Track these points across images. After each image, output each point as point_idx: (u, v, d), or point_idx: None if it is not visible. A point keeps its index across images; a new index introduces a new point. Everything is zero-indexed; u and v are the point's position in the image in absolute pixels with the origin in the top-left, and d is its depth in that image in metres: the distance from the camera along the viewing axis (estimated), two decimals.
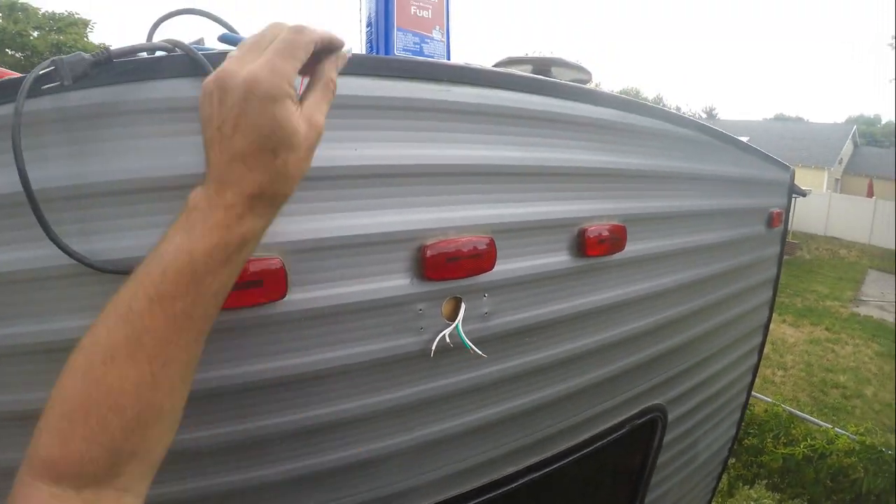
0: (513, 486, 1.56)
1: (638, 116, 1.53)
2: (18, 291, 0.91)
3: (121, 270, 0.90)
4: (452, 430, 1.35)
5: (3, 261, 0.89)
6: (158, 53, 0.95)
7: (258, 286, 0.99)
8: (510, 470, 1.54)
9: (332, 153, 1.04)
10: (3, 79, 0.95)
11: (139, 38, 1.07)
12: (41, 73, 0.84)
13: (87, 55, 0.86)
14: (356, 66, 1.07)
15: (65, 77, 0.83)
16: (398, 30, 1.30)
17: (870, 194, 26.72)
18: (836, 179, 31.93)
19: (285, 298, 1.02)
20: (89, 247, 0.90)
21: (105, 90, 0.88)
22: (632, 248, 1.52)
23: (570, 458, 1.66)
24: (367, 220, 1.10)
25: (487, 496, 1.52)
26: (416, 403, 1.26)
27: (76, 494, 0.66)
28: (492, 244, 1.22)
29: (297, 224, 1.03)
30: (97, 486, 0.67)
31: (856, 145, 35.30)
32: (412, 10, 1.32)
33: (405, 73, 1.12)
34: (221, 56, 0.95)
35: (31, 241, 0.87)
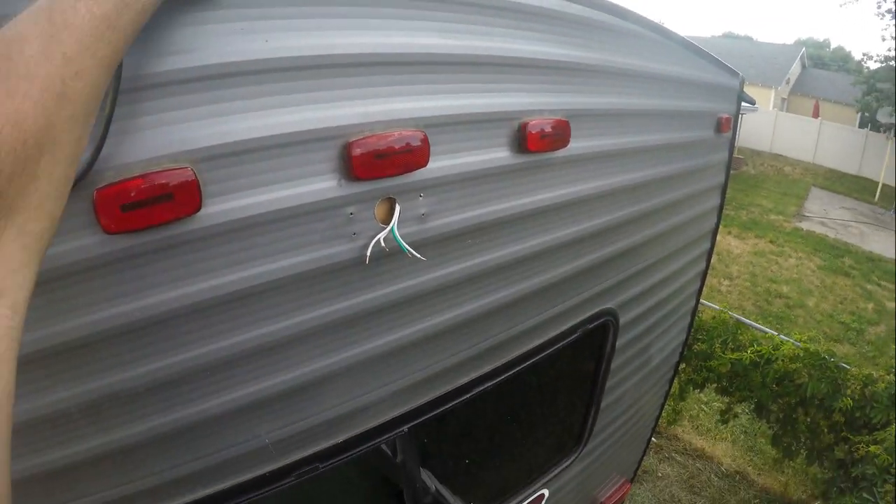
0: (465, 397, 1.55)
1: (584, 7, 1.43)
2: None
3: None
4: (396, 343, 1.29)
5: None
6: None
7: (168, 200, 0.87)
8: (461, 381, 1.53)
9: (242, 46, 0.91)
10: None
11: None
12: None
13: None
14: None
15: None
16: None
17: (815, 115, 27.48)
18: (783, 99, 32.60)
19: (200, 212, 0.91)
20: None
21: None
22: (576, 144, 1.45)
23: (523, 366, 1.65)
24: (285, 117, 0.98)
25: (439, 410, 1.50)
26: (354, 317, 1.19)
27: None
28: (425, 139, 1.12)
29: (207, 127, 0.90)
30: None
31: (804, 67, 35.89)
32: None
33: None
34: None
35: None
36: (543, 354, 1.71)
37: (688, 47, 2.01)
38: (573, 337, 1.80)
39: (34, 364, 0.88)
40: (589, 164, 1.55)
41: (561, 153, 1.42)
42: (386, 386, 1.35)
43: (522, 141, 1.31)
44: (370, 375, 1.30)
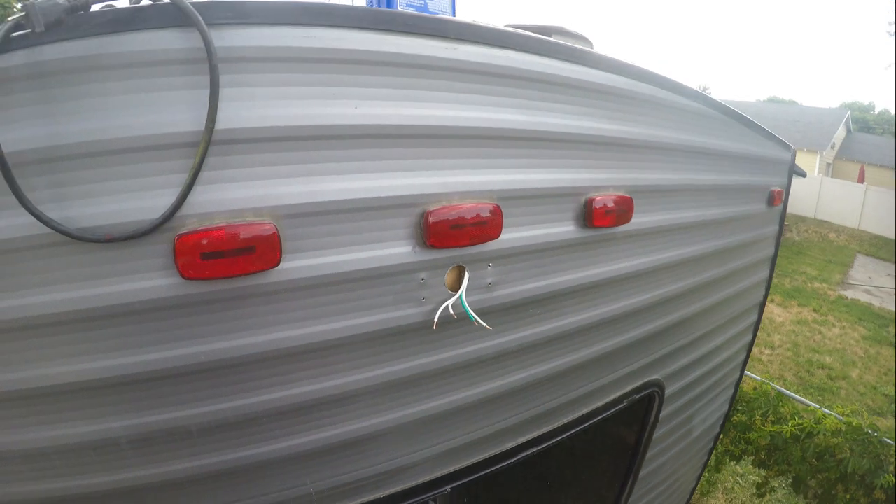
0: (509, 461, 1.54)
1: (646, 85, 1.48)
2: None
3: (98, 238, 0.85)
4: (453, 404, 1.32)
5: None
6: (142, 2, 0.88)
7: (250, 253, 0.94)
8: (507, 445, 1.52)
9: (331, 111, 0.98)
10: None
11: None
12: (12, 23, 0.77)
13: (61, 1, 0.78)
14: (357, 20, 1.01)
15: (36, 24, 0.76)
16: None
17: (861, 180, 26.85)
18: (828, 164, 32.04)
19: (279, 266, 0.97)
20: (65, 214, 0.84)
21: (82, 43, 0.82)
22: (638, 220, 1.48)
23: (569, 433, 1.64)
24: (368, 183, 1.04)
25: (483, 472, 1.50)
26: (417, 377, 1.22)
27: None
28: (497, 211, 1.17)
29: (292, 186, 0.97)
30: None
31: (849, 131, 35.34)
32: None
33: (410, 29, 1.05)
34: (211, 6, 0.89)
35: (3, 208, 0.81)
36: (589, 423, 1.69)
37: (743, 122, 2.04)
38: (620, 406, 1.78)
39: (98, 391, 0.94)
40: (648, 239, 1.57)
41: (623, 228, 1.45)
42: (435, 445, 1.36)
43: (588, 216, 1.34)
44: (422, 434, 1.32)
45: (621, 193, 1.43)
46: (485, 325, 1.18)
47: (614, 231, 1.43)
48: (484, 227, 1.15)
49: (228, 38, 0.89)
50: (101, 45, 0.82)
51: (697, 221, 1.80)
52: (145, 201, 0.87)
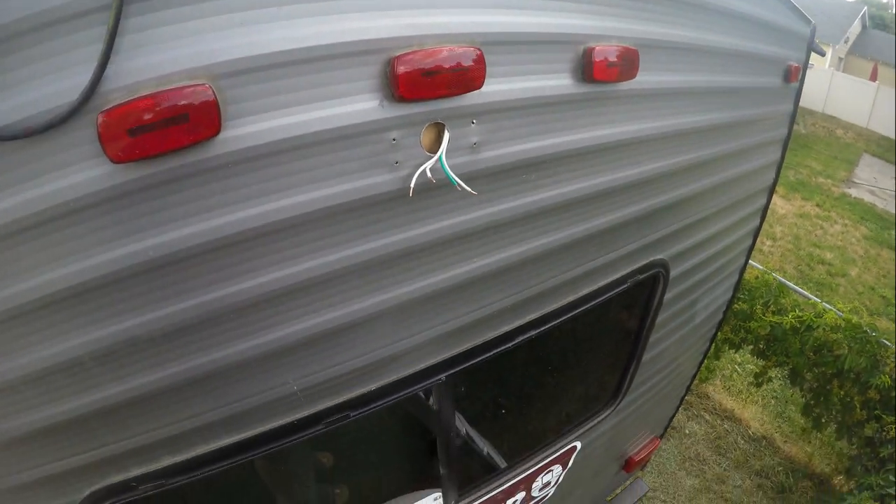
0: (507, 346, 1.47)
1: None
2: None
3: (17, 135, 0.71)
4: (438, 286, 1.21)
5: None
6: None
7: (184, 121, 0.78)
8: (504, 329, 1.45)
9: None
10: None
11: None
12: None
13: None
14: None
15: None
16: None
17: (873, 78, 25.80)
18: (840, 58, 30.71)
19: (219, 136, 0.82)
20: None
21: None
22: (643, 77, 1.30)
23: (569, 315, 1.56)
24: (320, 27, 0.86)
25: (480, 358, 1.43)
26: (393, 256, 1.10)
27: None
28: (480, 58, 0.99)
29: (228, 39, 0.80)
30: None
31: (864, 27, 33.59)
32: None
33: None
34: None
35: None
36: (591, 304, 1.61)
37: None
38: (623, 287, 1.70)
39: (44, 310, 0.82)
40: (655, 101, 1.41)
41: (627, 85, 1.27)
42: (424, 332, 1.27)
43: (587, 68, 1.17)
44: (409, 320, 1.23)
45: (627, 45, 1.24)
46: (470, 189, 1.04)
47: (616, 87, 1.26)
48: (464, 74, 0.98)
49: None
50: None
51: (708, 87, 1.62)
52: (57, 84, 0.72)
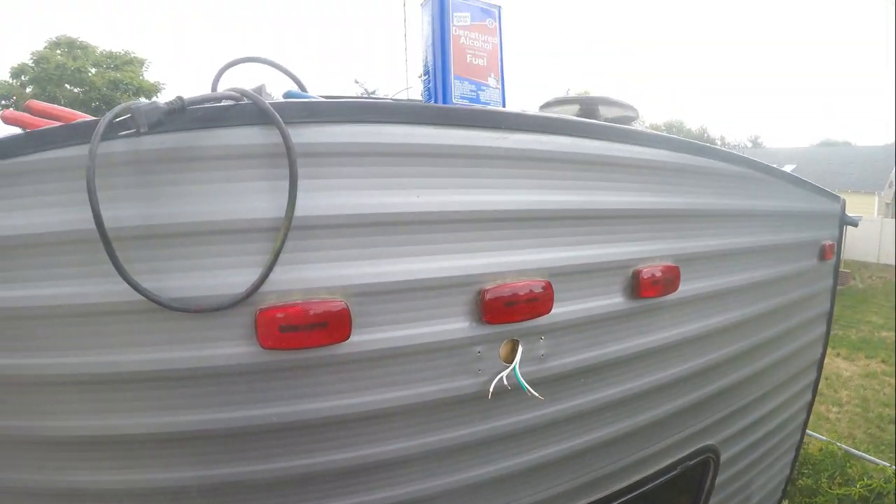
0: None
1: (688, 156, 1.54)
2: (90, 324, 0.98)
3: (188, 308, 0.97)
4: (505, 470, 1.36)
5: (74, 293, 0.96)
6: (225, 101, 1.02)
7: (323, 328, 1.04)
8: None
9: (395, 200, 1.10)
10: (78, 121, 1.03)
11: (191, 77, 1.15)
12: (116, 119, 0.91)
13: (161, 104, 0.93)
14: (419, 115, 1.13)
15: (141, 125, 0.90)
16: (455, 78, 1.35)
17: None
18: (887, 204, 30.68)
19: (349, 340, 1.07)
20: (159, 285, 0.96)
21: (177, 136, 0.96)
22: (685, 287, 1.52)
23: (624, 499, 1.63)
24: (429, 264, 1.14)
25: None
26: (473, 444, 1.28)
27: None
28: (548, 287, 1.24)
29: (360, 268, 1.08)
30: None
31: None
32: (468, 59, 1.37)
33: (464, 122, 1.16)
34: (288, 105, 1.03)
35: (102, 276, 0.94)
36: (642, 490, 1.68)
37: (789, 180, 2.05)
38: (673, 473, 1.76)
39: (182, 444, 1.05)
40: (696, 305, 1.60)
41: (671, 297, 1.48)
42: None
43: (636, 287, 1.39)
44: (478, 499, 1.36)
45: (668, 263, 1.47)
46: (537, 395, 1.23)
47: (662, 300, 1.47)
48: (536, 304, 1.22)
49: (305, 136, 1.01)
50: (193, 139, 0.96)
51: (746, 284, 1.81)
52: (229, 278, 0.99)
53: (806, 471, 4.20)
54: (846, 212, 2.56)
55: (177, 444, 1.06)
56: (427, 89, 1.40)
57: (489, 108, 1.34)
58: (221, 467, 1.08)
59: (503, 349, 1.23)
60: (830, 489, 4.08)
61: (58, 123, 1.04)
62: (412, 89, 1.87)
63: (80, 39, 24.53)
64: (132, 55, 25.49)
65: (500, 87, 1.41)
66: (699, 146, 1.56)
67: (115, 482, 1.06)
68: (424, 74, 1.42)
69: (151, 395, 1.02)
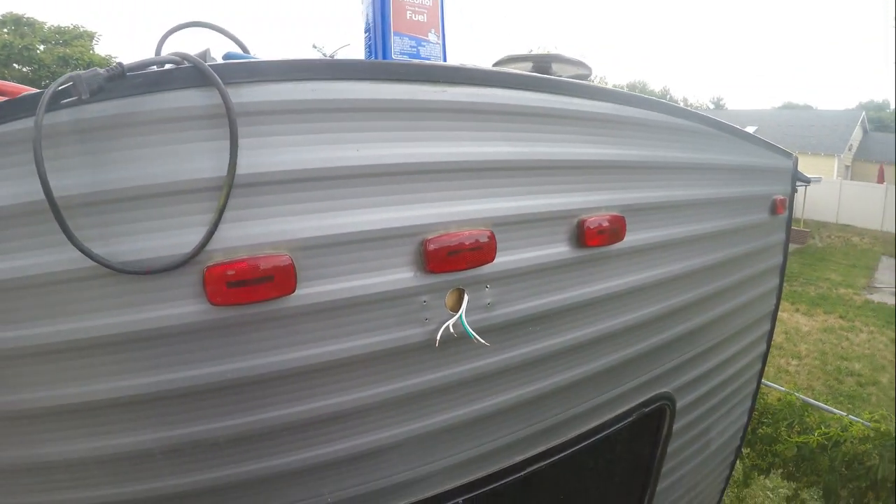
0: (521, 474, 1.59)
1: (634, 109, 1.55)
2: (43, 294, 0.97)
3: (139, 270, 0.97)
4: (459, 418, 1.39)
5: (27, 265, 0.95)
6: (167, 66, 1.01)
7: (269, 281, 1.05)
8: (518, 458, 1.58)
9: (335, 154, 1.10)
10: (23, 94, 1.01)
11: (144, 49, 1.13)
12: (59, 88, 0.91)
13: (101, 70, 0.92)
14: (355, 71, 1.12)
15: (82, 92, 0.89)
16: (395, 34, 1.33)
17: (880, 180, 26.35)
18: (847, 166, 31.57)
19: (295, 293, 1.08)
20: (108, 249, 0.96)
21: (119, 102, 0.95)
22: (632, 237, 1.55)
23: (578, 447, 1.68)
24: (371, 216, 1.14)
25: (495, 485, 1.55)
26: (423, 393, 1.30)
27: None
28: (492, 237, 1.25)
29: (304, 222, 1.08)
30: None
31: (865, 131, 34.86)
32: (408, 15, 1.35)
33: (403, 76, 1.16)
34: (227, 67, 1.01)
35: (54, 245, 0.93)
36: (598, 436, 1.73)
37: (740, 136, 2.09)
38: (629, 420, 1.82)
39: (136, 407, 1.05)
40: (644, 255, 1.64)
41: (617, 246, 1.51)
42: (445, 458, 1.43)
43: (580, 237, 1.42)
44: (432, 447, 1.39)
45: (613, 213, 1.50)
46: (483, 342, 1.25)
47: (608, 249, 1.50)
48: (479, 252, 1.23)
49: (244, 95, 1.01)
50: (135, 104, 0.95)
51: (695, 235, 1.85)
52: (176, 238, 1.00)
53: (766, 420, 4.38)
54: (799, 170, 2.64)
55: (137, 407, 1.06)
56: (367, 46, 1.38)
57: (426, 62, 1.33)
58: (182, 427, 1.09)
59: (449, 298, 1.25)
60: (790, 437, 4.27)
61: (2, 98, 1.01)
62: (351, 46, 1.85)
63: (26, 16, 23.40)
64: (81, 29, 24.43)
65: (440, 42, 1.40)
66: (642, 98, 1.58)
67: (81, 451, 1.06)
68: (366, 32, 1.40)
69: (109, 361, 1.02)
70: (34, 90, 1.11)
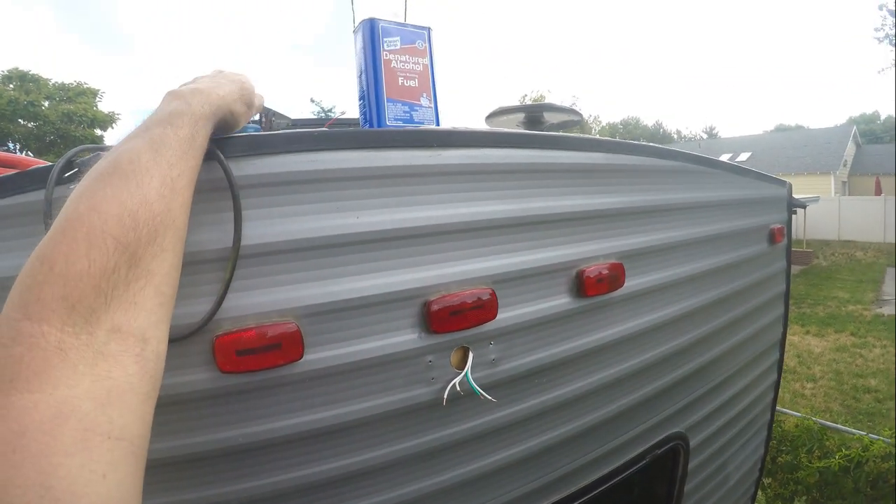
0: None
1: (623, 156, 1.60)
2: None
3: None
4: (469, 474, 1.38)
5: None
6: None
7: (277, 349, 1.07)
8: None
9: (335, 222, 1.13)
10: (35, 167, 1.05)
11: (147, 105, 1.17)
12: (69, 168, 0.95)
13: (104, 153, 0.96)
14: (351, 141, 1.17)
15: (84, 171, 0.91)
16: (388, 101, 1.39)
17: (878, 192, 26.43)
18: (843, 182, 31.71)
19: (302, 359, 1.10)
20: None
21: None
22: (631, 283, 1.57)
23: (593, 494, 1.67)
24: (373, 281, 1.17)
25: None
26: (432, 450, 1.30)
27: (90, 339, 0.62)
28: (493, 295, 1.28)
29: (309, 289, 1.11)
30: (112, 327, 0.65)
31: (858, 145, 35.13)
32: (400, 81, 1.41)
33: (397, 143, 1.21)
34: (229, 141, 1.05)
35: None
36: (612, 482, 1.72)
37: (730, 170, 2.14)
38: (642, 463, 1.80)
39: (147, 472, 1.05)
40: (645, 299, 1.65)
41: (617, 293, 1.53)
42: None
43: (580, 287, 1.44)
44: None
45: (612, 261, 1.52)
46: (490, 398, 1.26)
47: (608, 297, 1.52)
48: (481, 310, 1.25)
49: (245, 168, 1.05)
50: None
51: (695, 273, 1.87)
52: (184, 308, 1.01)
53: (785, 448, 4.32)
54: (794, 195, 2.68)
55: (148, 472, 1.06)
56: (363, 114, 1.44)
57: (419, 128, 1.38)
58: (191, 492, 1.09)
59: (454, 357, 1.26)
60: (810, 463, 4.19)
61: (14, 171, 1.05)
62: (348, 112, 1.92)
63: (31, 72, 24.09)
64: (85, 86, 25.11)
65: (432, 105, 1.46)
66: (631, 145, 1.62)
67: None
68: (360, 99, 1.46)
69: None
70: (43, 162, 1.13)
